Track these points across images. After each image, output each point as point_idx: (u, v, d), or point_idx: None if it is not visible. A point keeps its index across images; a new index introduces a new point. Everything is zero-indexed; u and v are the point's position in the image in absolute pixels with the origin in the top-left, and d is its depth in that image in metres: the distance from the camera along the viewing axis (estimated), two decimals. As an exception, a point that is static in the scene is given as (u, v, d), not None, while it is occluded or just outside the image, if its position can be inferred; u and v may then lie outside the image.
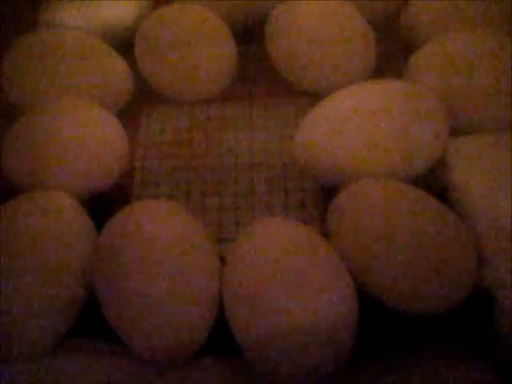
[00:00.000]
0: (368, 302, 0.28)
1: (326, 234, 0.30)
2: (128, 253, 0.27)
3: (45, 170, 0.32)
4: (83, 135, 0.33)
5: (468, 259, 0.28)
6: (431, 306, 0.27)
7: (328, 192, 0.33)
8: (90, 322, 0.29)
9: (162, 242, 0.27)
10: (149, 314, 0.26)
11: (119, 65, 0.38)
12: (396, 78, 0.35)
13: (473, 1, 0.37)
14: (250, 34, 0.41)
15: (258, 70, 0.41)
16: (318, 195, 0.35)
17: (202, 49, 0.37)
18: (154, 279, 0.26)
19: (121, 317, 0.27)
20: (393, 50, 0.41)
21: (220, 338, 0.28)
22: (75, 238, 0.29)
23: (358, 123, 0.31)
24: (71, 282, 0.28)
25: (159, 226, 0.28)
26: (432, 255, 0.27)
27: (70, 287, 0.28)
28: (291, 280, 0.26)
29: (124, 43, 0.40)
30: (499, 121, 0.33)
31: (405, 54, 0.38)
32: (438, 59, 0.35)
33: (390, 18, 0.41)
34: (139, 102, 0.40)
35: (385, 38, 0.39)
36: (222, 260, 0.29)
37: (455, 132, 0.33)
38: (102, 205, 0.33)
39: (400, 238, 0.27)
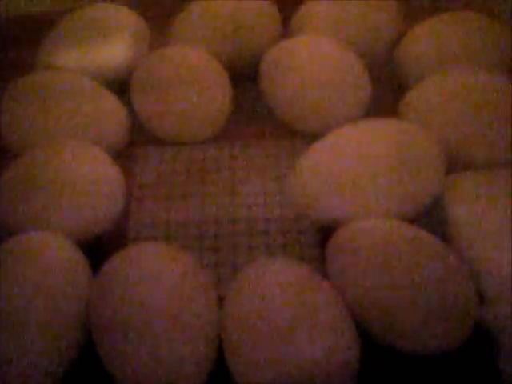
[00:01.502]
0: (367, 339, 0.27)
1: (325, 274, 0.30)
2: (125, 295, 0.27)
3: (41, 211, 0.32)
4: (79, 177, 0.33)
5: (468, 298, 0.27)
6: (431, 346, 0.27)
7: (326, 231, 0.33)
8: (88, 366, 0.28)
9: (159, 284, 0.27)
10: (146, 356, 0.26)
11: (116, 107, 0.38)
12: (391, 117, 0.35)
13: (465, 39, 0.38)
14: (244, 75, 0.42)
15: (253, 110, 0.41)
16: (316, 235, 0.34)
17: (197, 91, 0.38)
18: (152, 322, 0.26)
19: (117, 359, 0.27)
20: (387, 89, 0.41)
21: (220, 380, 0.27)
22: (71, 280, 0.29)
23: (353, 164, 0.32)
24: (67, 324, 0.28)
25: (156, 268, 0.28)
26: (432, 294, 0.27)
27: (67, 330, 0.28)
28: (291, 322, 0.26)
29: (120, 85, 0.40)
30: (495, 157, 0.33)
31: (399, 92, 0.38)
32: (432, 97, 0.35)
33: (383, 57, 0.42)
34: (135, 144, 0.40)
35: (378, 77, 0.40)
36: (221, 301, 0.29)
37: (452, 169, 0.33)
38: (97, 246, 0.33)
39: (399, 277, 0.27)
